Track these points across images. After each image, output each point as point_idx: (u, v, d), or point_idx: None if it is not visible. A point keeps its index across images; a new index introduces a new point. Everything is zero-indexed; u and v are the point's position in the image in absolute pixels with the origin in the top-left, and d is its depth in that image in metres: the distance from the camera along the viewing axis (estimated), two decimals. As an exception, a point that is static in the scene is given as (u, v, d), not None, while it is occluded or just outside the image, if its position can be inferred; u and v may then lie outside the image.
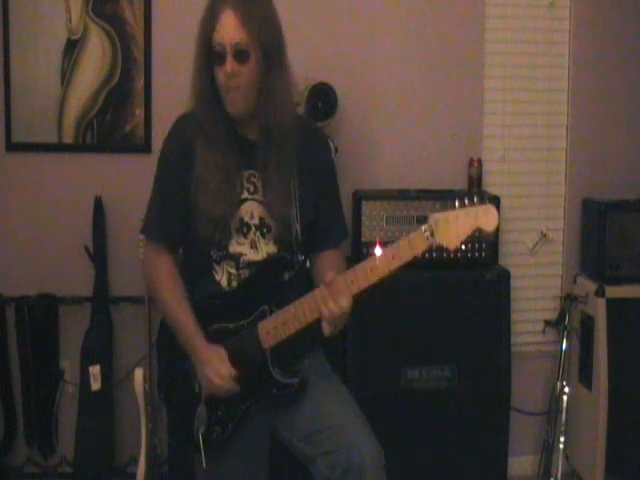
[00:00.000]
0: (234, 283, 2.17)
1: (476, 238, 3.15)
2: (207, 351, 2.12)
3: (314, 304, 2.03)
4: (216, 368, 2.09)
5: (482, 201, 1.95)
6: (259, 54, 2.08)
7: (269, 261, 2.17)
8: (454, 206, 1.95)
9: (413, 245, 1.96)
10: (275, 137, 2.14)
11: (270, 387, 2.13)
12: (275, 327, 2.09)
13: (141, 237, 2.34)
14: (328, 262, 2.25)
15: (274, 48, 2.11)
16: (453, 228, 1.93)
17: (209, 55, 2.09)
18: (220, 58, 2.07)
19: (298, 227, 2.18)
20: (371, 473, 2.06)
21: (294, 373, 2.14)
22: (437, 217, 1.94)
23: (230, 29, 2.04)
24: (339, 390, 2.24)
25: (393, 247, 1.99)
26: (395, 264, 1.98)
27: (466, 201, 1.94)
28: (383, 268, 1.99)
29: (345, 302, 2.00)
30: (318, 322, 2.06)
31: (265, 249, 2.18)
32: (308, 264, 2.30)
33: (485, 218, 1.93)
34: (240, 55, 2.06)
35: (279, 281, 2.16)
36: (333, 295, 1.99)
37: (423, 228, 1.95)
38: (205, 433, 2.14)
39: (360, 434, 2.10)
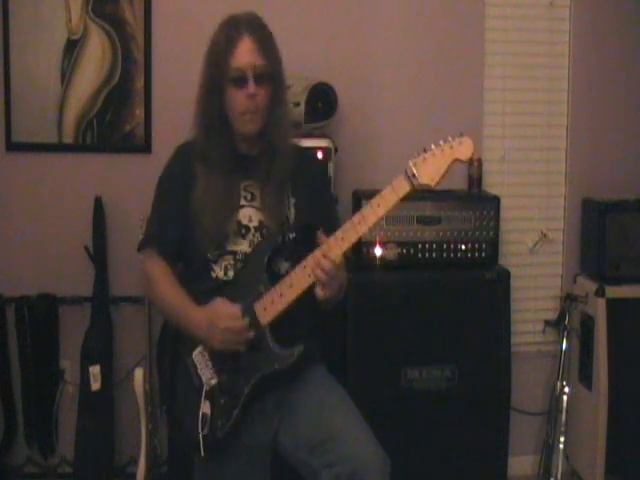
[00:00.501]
0: (230, 273, 2.22)
1: (476, 238, 3.16)
2: (207, 308, 2.16)
3: (307, 268, 2.08)
4: (224, 313, 2.12)
5: (456, 136, 2.02)
6: (272, 79, 2.20)
7: (260, 244, 2.22)
8: (431, 148, 2.01)
9: (396, 189, 2.03)
10: (273, 153, 2.23)
11: (272, 362, 2.14)
12: (272, 301, 2.13)
13: (140, 256, 2.37)
14: None
15: (280, 70, 2.24)
16: (431, 165, 2.00)
17: (221, 80, 2.17)
18: (240, 81, 2.16)
19: (292, 214, 2.24)
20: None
21: (293, 345, 2.15)
22: (415, 160, 2.02)
23: (249, 53, 2.15)
24: (342, 400, 2.24)
25: (377, 197, 2.05)
26: (381, 211, 2.04)
27: (441, 141, 2.01)
28: (370, 217, 2.04)
29: (334, 256, 2.04)
30: (313, 294, 2.10)
31: None
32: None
33: (461, 148, 2.00)
34: (259, 78, 2.16)
35: (273, 260, 2.20)
36: (324, 253, 2.04)
37: (404, 172, 2.02)
38: (210, 428, 2.16)
39: (364, 443, 2.11)
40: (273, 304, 2.13)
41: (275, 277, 2.16)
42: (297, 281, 2.10)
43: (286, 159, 2.23)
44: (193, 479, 2.34)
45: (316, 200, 2.31)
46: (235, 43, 2.15)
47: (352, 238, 2.05)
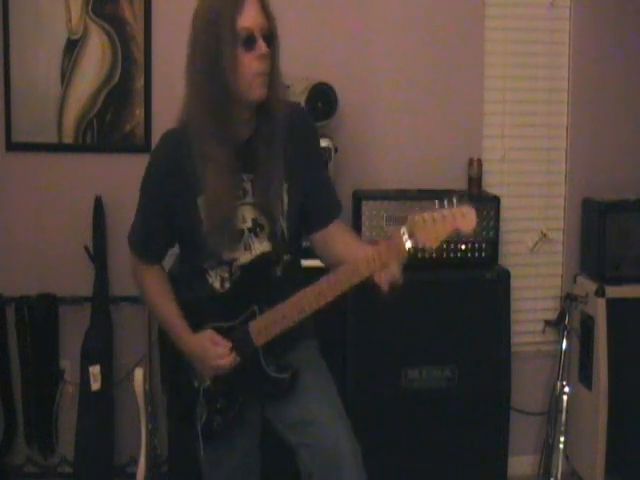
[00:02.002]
0: (227, 285, 2.19)
1: (476, 238, 3.16)
2: (197, 340, 2.16)
3: (298, 304, 2.05)
4: (214, 353, 2.13)
5: (461, 202, 1.95)
6: (275, 38, 2.08)
7: (257, 262, 2.19)
8: (434, 207, 1.95)
9: (393, 247, 1.96)
10: (266, 133, 2.12)
11: (263, 382, 2.16)
12: (265, 327, 2.12)
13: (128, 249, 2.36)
14: (340, 230, 2.24)
15: (277, 34, 2.12)
16: (431, 230, 1.93)
17: (225, 45, 2.00)
18: (250, 42, 2.02)
19: (285, 226, 2.18)
20: (349, 470, 2.09)
21: (286, 368, 2.17)
22: (415, 219, 1.94)
23: (257, 14, 2.03)
24: (325, 385, 2.25)
25: (370, 249, 2.00)
26: (378, 266, 1.97)
27: (445, 202, 1.94)
28: (365, 270, 1.99)
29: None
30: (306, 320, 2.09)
31: (259, 248, 2.18)
32: (313, 243, 2.28)
33: (463, 220, 1.93)
34: (267, 39, 2.05)
35: (270, 279, 2.18)
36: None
37: (402, 230, 1.95)
38: (205, 423, 2.19)
39: (339, 432, 2.12)
40: (266, 329, 2.12)
41: (269, 298, 2.13)
42: (290, 314, 2.08)
43: (277, 139, 2.11)
44: (193, 479, 2.36)
45: (308, 175, 2.22)
46: (242, 3, 2.01)
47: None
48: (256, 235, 2.18)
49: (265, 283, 2.17)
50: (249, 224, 2.17)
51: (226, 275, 2.18)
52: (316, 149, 2.34)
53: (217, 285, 2.19)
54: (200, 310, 2.19)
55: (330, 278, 2.03)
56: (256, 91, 2.05)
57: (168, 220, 2.19)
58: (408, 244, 1.94)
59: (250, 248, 2.18)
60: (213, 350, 2.14)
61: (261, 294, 2.15)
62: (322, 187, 2.28)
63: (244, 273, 2.17)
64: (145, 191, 2.23)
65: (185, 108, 2.12)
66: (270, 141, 2.12)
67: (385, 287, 1.98)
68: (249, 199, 2.16)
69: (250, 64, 2.02)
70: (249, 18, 2.01)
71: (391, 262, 1.95)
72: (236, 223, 2.15)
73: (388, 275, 1.97)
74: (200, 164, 2.08)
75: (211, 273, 2.19)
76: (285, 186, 2.17)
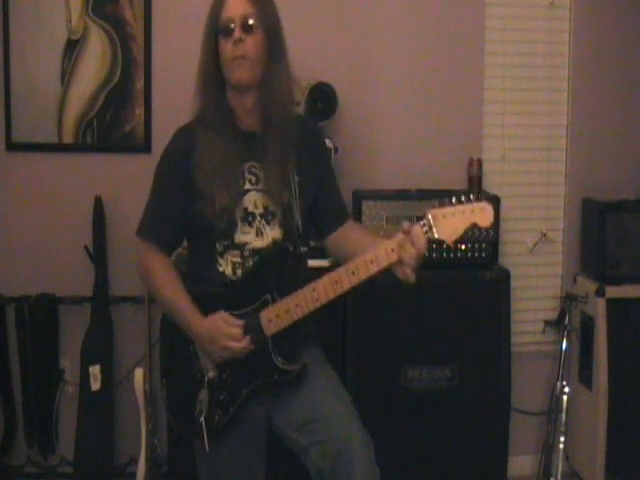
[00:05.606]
0: (239, 271, 2.21)
1: (476, 238, 3.16)
2: (209, 321, 2.15)
3: (315, 292, 2.08)
4: (226, 333, 2.13)
5: (479, 198, 1.99)
6: (264, 32, 2.19)
7: (272, 251, 2.21)
8: (451, 202, 1.99)
9: (412, 240, 2.00)
10: (274, 128, 2.21)
11: (272, 373, 2.16)
12: (277, 315, 2.13)
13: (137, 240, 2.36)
14: (353, 229, 2.33)
15: (276, 32, 2.23)
16: (450, 223, 1.98)
17: (216, 36, 2.19)
18: (228, 31, 2.17)
19: (299, 218, 2.23)
20: (360, 464, 2.09)
21: (295, 359, 2.18)
22: (434, 212, 1.99)
23: (239, 4, 2.18)
24: (333, 383, 2.26)
25: (389, 241, 2.03)
26: (394, 257, 2.02)
27: (462, 198, 1.99)
28: (384, 260, 2.03)
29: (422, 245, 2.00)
30: (317, 311, 2.11)
31: (271, 234, 2.23)
32: (327, 246, 2.35)
33: (481, 214, 1.98)
34: (247, 26, 2.17)
35: (284, 268, 2.19)
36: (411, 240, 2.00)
37: (421, 223, 2.00)
38: (207, 417, 2.18)
39: (350, 426, 2.13)
40: (279, 318, 2.13)
41: (282, 287, 2.15)
42: (304, 302, 2.10)
43: (289, 134, 2.21)
44: (193, 479, 2.35)
45: (319, 177, 2.30)
46: None
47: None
48: (267, 222, 2.23)
49: (279, 272, 2.18)
50: (261, 210, 2.23)
51: (238, 260, 2.21)
52: (326, 157, 2.46)
53: (229, 271, 2.21)
54: (210, 301, 2.19)
55: (348, 266, 2.06)
56: (234, 72, 2.19)
57: (180, 206, 2.22)
58: (427, 236, 1.98)
59: (262, 234, 2.22)
60: (227, 329, 2.13)
61: (274, 283, 2.16)
62: (333, 190, 2.35)
63: (258, 260, 2.20)
64: (158, 178, 2.30)
65: (194, 101, 2.26)
66: (280, 131, 2.21)
67: (403, 278, 2.04)
68: (261, 186, 2.23)
69: (228, 49, 2.18)
70: (229, 10, 2.18)
71: (410, 254, 1.99)
72: (246, 206, 2.21)
73: (406, 268, 2.02)
74: (205, 154, 2.18)
75: (221, 262, 2.22)
76: (296, 179, 2.23)
